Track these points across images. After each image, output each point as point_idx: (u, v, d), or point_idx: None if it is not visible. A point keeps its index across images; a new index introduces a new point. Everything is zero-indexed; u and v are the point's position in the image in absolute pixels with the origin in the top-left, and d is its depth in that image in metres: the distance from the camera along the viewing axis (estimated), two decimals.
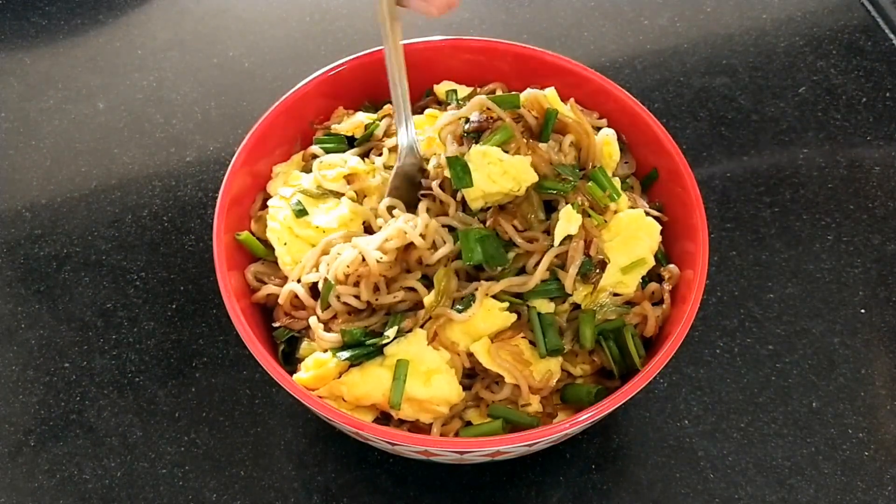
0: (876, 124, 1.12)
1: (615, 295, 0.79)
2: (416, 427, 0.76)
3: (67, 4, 1.23)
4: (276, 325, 0.80)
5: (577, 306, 0.78)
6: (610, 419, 0.89)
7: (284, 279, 0.81)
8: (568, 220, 0.75)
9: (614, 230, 0.79)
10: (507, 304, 0.76)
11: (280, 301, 0.79)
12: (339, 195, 0.83)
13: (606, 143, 0.84)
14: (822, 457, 0.88)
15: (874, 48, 1.20)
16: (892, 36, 1.21)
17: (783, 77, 1.17)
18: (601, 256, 0.77)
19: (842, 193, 1.06)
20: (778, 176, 1.08)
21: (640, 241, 0.80)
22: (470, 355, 0.76)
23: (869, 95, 1.15)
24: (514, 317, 0.76)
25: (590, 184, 0.79)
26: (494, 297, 0.76)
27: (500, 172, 0.76)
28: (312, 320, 0.77)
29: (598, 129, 0.86)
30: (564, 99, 0.87)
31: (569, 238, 0.76)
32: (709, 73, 1.17)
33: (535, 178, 0.77)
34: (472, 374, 0.78)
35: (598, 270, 0.76)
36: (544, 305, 0.76)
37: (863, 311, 0.97)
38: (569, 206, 0.76)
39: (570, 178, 0.78)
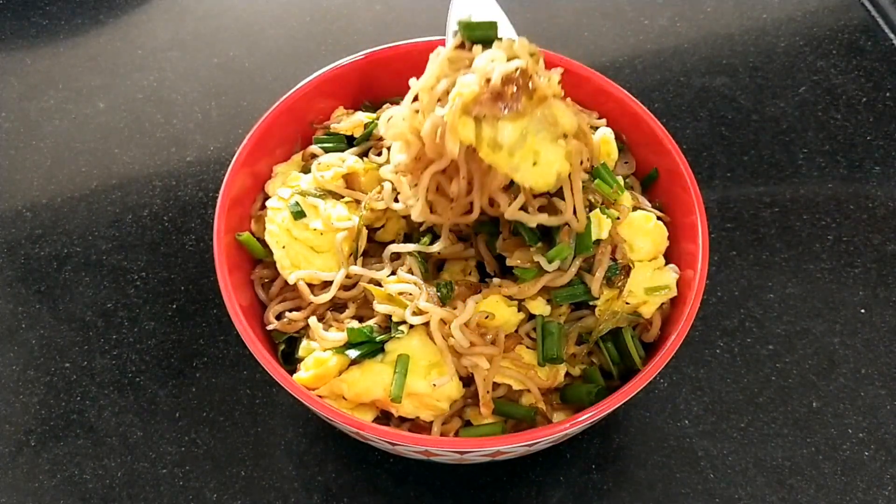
0: (876, 124, 1.12)
1: (626, 303, 0.79)
2: (417, 426, 0.76)
3: (68, 4, 1.23)
4: (269, 327, 0.80)
5: (576, 308, 0.78)
6: (610, 419, 0.89)
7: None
8: (598, 225, 0.76)
9: (627, 232, 0.80)
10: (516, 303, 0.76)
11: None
12: (338, 196, 0.83)
13: (604, 142, 0.84)
14: (822, 457, 0.88)
15: (874, 48, 1.20)
16: (892, 36, 1.21)
17: (783, 77, 1.17)
18: (627, 261, 0.77)
19: (842, 193, 1.06)
20: (778, 176, 1.08)
21: (651, 243, 0.80)
22: None
23: (869, 95, 1.15)
24: (522, 315, 0.76)
25: (596, 181, 0.79)
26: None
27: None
28: (312, 321, 0.77)
29: (598, 128, 0.86)
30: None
31: (597, 242, 0.75)
32: (709, 73, 1.17)
33: (568, 169, 0.71)
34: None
35: (623, 275, 0.76)
36: (540, 307, 0.76)
37: (863, 311, 0.97)
38: (597, 210, 0.76)
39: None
